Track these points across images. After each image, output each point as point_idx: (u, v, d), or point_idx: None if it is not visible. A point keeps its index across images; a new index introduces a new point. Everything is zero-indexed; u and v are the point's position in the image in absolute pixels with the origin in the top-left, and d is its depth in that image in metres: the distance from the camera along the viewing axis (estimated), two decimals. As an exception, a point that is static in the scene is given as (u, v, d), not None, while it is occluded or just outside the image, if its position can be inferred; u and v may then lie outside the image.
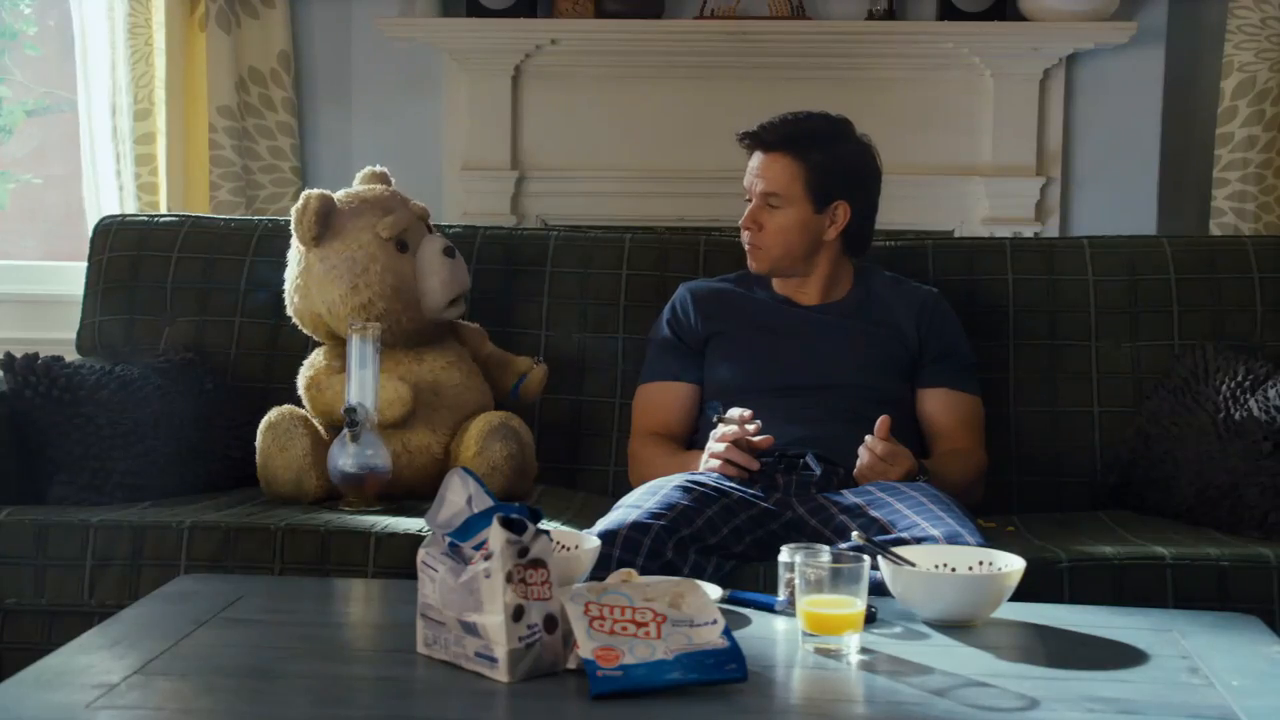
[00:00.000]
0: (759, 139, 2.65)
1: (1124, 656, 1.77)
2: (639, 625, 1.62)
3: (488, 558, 1.61)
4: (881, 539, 2.14)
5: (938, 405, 2.64)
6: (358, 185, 2.81)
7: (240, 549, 2.36)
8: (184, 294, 2.99)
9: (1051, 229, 3.92)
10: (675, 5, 3.97)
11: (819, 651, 1.74)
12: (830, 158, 2.63)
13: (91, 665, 1.66)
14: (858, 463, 2.43)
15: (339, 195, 2.75)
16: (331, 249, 2.68)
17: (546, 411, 2.88)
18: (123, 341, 2.97)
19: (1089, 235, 3.12)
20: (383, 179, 2.84)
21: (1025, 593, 1.95)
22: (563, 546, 1.99)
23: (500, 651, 1.60)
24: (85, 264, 3.08)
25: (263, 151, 3.94)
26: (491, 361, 2.82)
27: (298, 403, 2.69)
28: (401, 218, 2.70)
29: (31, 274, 4.09)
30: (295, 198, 3.90)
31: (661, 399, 2.71)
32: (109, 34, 3.82)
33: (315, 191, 2.71)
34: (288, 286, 2.75)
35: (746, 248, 2.68)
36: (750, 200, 2.67)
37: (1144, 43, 3.87)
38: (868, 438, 2.41)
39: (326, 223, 2.69)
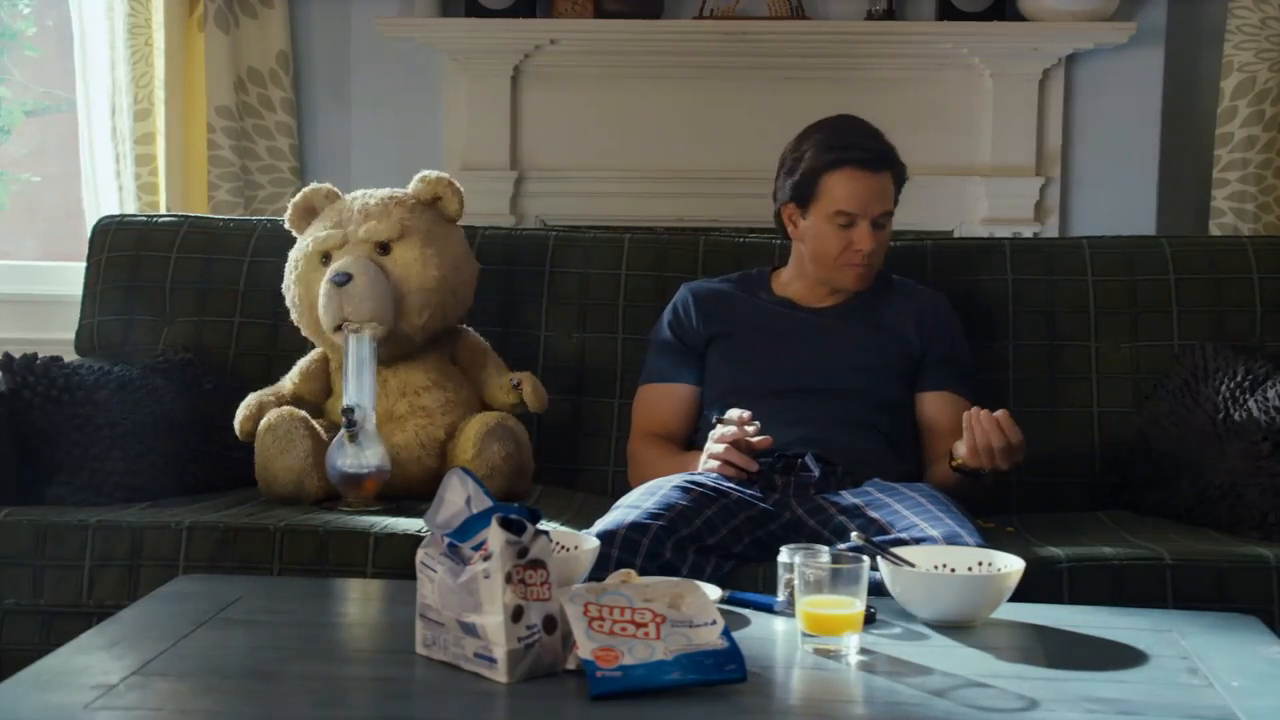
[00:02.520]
0: (876, 159, 2.58)
1: (1123, 657, 1.77)
2: (638, 626, 1.62)
3: (487, 558, 1.61)
4: (880, 539, 2.14)
5: (938, 408, 2.63)
6: (410, 185, 2.80)
7: (239, 549, 2.36)
8: (183, 294, 2.99)
9: (1051, 229, 3.92)
10: (674, 5, 3.97)
11: (818, 652, 1.74)
12: (901, 168, 2.64)
13: (90, 666, 1.65)
14: (977, 435, 2.34)
15: (351, 194, 2.79)
16: (300, 239, 2.78)
17: (546, 412, 2.87)
18: (121, 342, 2.97)
19: (1088, 235, 3.11)
20: (433, 186, 2.77)
21: (1024, 593, 1.95)
22: (562, 547, 1.99)
23: (499, 652, 1.60)
24: (84, 264, 3.08)
25: (261, 152, 3.94)
26: (487, 384, 2.77)
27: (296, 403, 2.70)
28: (334, 237, 2.68)
29: (30, 274, 4.09)
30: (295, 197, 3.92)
31: (661, 400, 2.71)
32: (108, 34, 3.82)
33: (314, 185, 2.82)
34: None
35: (858, 270, 2.60)
36: (850, 225, 2.57)
37: (1143, 43, 3.87)
38: (1000, 415, 2.34)
39: (311, 211, 2.78)
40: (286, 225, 2.81)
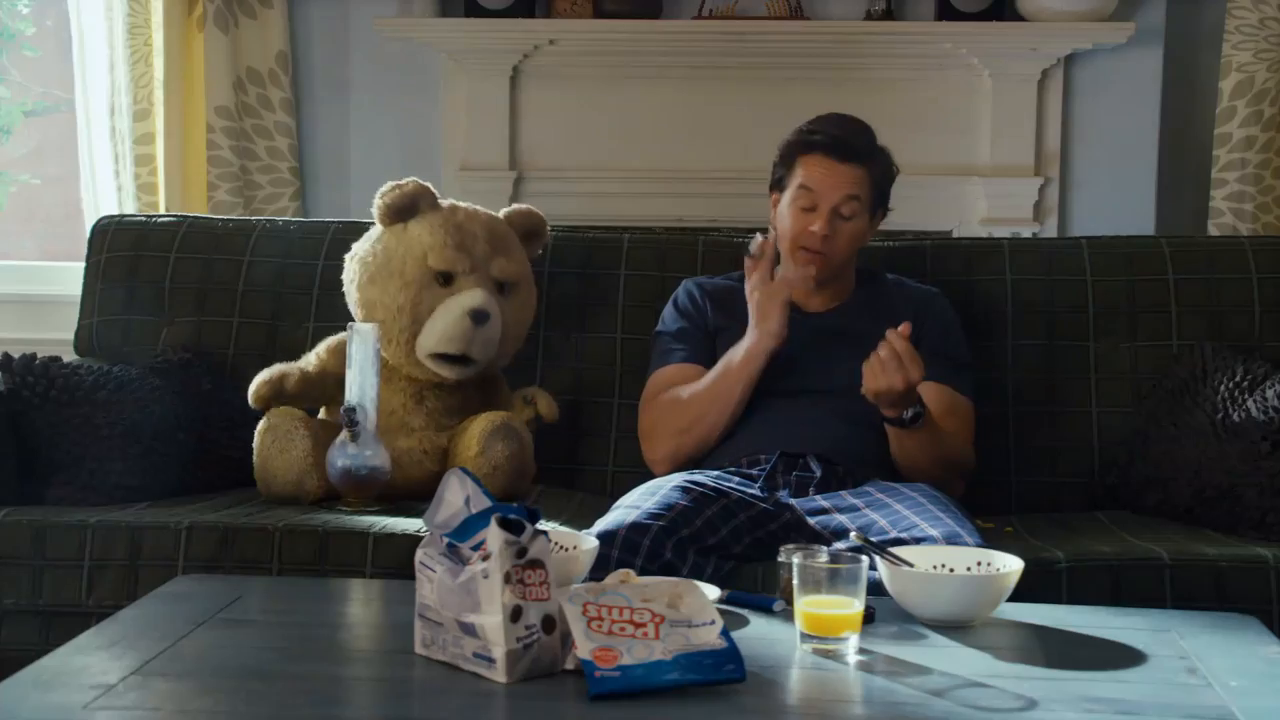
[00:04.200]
0: (842, 147, 2.59)
1: (1122, 657, 1.77)
2: (637, 626, 1.62)
3: (486, 558, 1.61)
4: (879, 539, 2.14)
5: (928, 398, 2.62)
6: (502, 212, 2.77)
7: (238, 549, 2.36)
8: (182, 294, 2.99)
9: (1050, 229, 3.92)
10: (673, 6, 3.97)
11: (817, 652, 1.74)
12: (882, 167, 2.65)
13: (89, 666, 1.65)
14: (873, 355, 2.37)
15: (452, 203, 2.70)
16: (392, 233, 2.64)
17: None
18: (121, 342, 2.97)
19: (1087, 235, 3.12)
20: (534, 221, 2.76)
21: (1023, 593, 1.95)
22: (561, 547, 1.99)
23: (498, 652, 1.60)
24: (83, 264, 3.08)
25: (261, 152, 3.94)
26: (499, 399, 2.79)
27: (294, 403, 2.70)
28: (463, 261, 2.59)
29: (29, 274, 4.09)
30: (294, 198, 3.94)
31: (684, 377, 2.65)
32: (107, 34, 3.82)
33: (420, 182, 2.66)
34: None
35: (809, 255, 2.60)
36: (812, 208, 2.59)
37: (1142, 43, 3.88)
38: (889, 332, 2.37)
39: (411, 210, 2.64)
40: (376, 213, 2.66)
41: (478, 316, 2.58)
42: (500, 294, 2.66)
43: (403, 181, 2.67)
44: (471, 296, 2.59)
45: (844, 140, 2.61)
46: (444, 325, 2.59)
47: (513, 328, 2.70)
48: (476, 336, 2.59)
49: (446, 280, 2.62)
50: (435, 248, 2.61)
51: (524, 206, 2.80)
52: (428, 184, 2.69)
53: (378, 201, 2.65)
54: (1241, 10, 3.79)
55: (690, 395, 2.60)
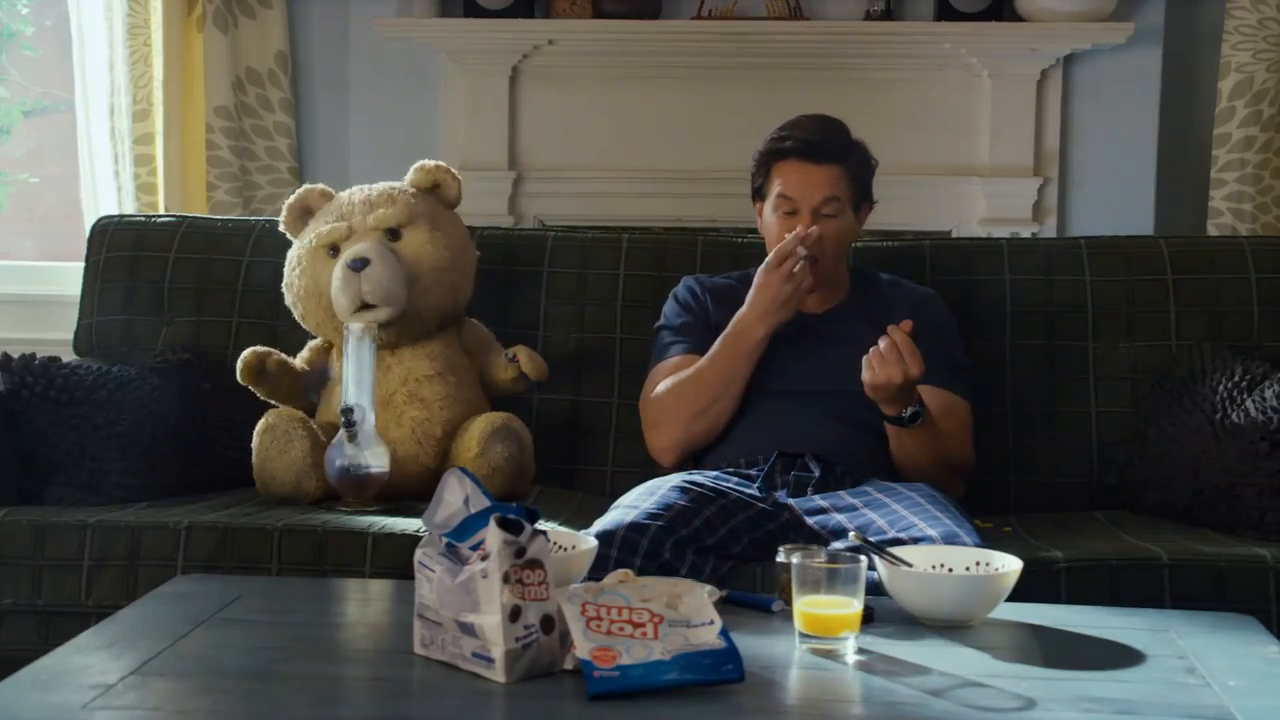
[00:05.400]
0: (814, 150, 2.60)
1: (1121, 657, 1.77)
2: (636, 626, 1.62)
3: (485, 558, 1.61)
4: (878, 539, 2.14)
5: (925, 400, 2.62)
6: (406, 177, 2.84)
7: (237, 549, 2.36)
8: (181, 294, 2.99)
9: (1049, 229, 3.92)
10: (673, 6, 3.97)
11: (816, 652, 1.74)
12: (858, 162, 2.66)
13: (88, 666, 1.65)
14: (874, 348, 2.38)
15: (346, 190, 2.81)
16: (298, 242, 2.79)
17: (544, 412, 2.88)
18: (120, 342, 2.98)
19: (1086, 236, 3.11)
20: (431, 174, 2.81)
21: (1022, 593, 1.95)
22: (560, 547, 1.99)
23: (497, 652, 1.60)
24: (82, 264, 3.08)
25: (260, 152, 3.94)
26: (489, 367, 2.80)
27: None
28: (340, 230, 2.70)
29: (29, 274, 4.09)
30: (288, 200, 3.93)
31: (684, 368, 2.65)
32: (107, 34, 3.82)
33: (308, 186, 2.83)
34: None
35: (805, 262, 2.58)
36: (793, 213, 2.60)
37: (1141, 43, 3.87)
38: (890, 327, 2.38)
39: (307, 211, 2.80)
40: (282, 227, 2.81)
41: (354, 264, 2.65)
42: (393, 240, 2.71)
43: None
44: (350, 252, 2.67)
45: (816, 143, 2.61)
46: (336, 284, 2.66)
47: (424, 262, 2.70)
48: (364, 280, 2.63)
49: (334, 251, 2.71)
50: (319, 229, 2.73)
51: (425, 162, 2.85)
52: (319, 185, 2.83)
53: (281, 220, 2.82)
54: (1241, 10, 3.79)
55: (698, 379, 2.58)
